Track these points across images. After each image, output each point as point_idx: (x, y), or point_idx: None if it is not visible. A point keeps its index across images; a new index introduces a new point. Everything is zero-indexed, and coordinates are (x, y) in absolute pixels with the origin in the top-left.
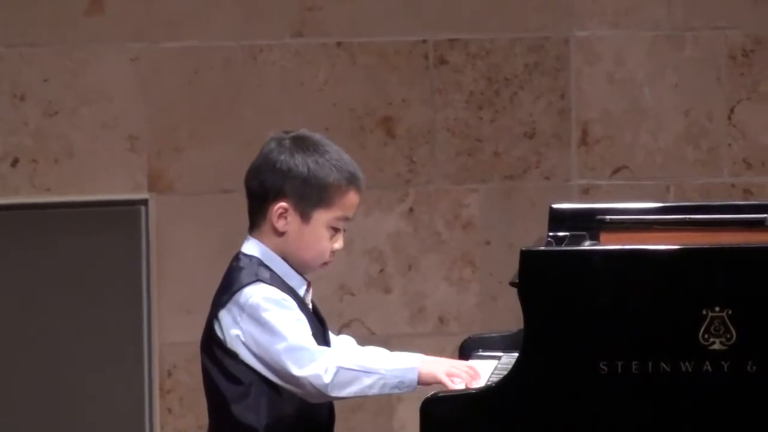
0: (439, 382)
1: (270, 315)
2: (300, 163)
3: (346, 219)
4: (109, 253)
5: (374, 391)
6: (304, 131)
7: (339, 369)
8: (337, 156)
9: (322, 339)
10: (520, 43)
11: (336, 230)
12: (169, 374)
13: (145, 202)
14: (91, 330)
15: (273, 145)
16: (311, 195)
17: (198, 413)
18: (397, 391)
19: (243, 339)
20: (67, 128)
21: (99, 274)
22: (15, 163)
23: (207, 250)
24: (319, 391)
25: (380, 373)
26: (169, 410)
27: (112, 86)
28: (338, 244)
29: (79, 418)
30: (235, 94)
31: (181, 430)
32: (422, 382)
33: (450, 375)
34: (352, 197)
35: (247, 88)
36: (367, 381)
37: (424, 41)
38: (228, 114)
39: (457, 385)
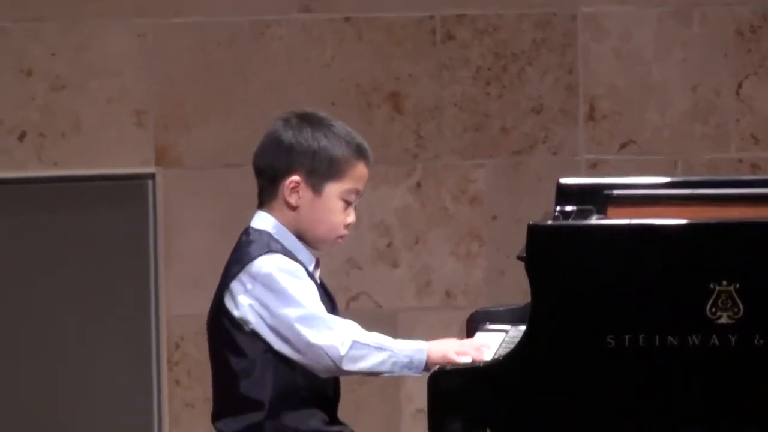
0: (449, 362)
1: (285, 282)
2: (309, 137)
3: (357, 192)
4: (117, 227)
5: (385, 368)
6: (309, 109)
7: (354, 342)
8: (344, 129)
9: (331, 314)
10: (528, 18)
11: (348, 204)
12: (177, 347)
13: (152, 176)
14: (99, 303)
15: (279, 123)
16: (322, 168)
17: (206, 386)
18: (406, 371)
19: (256, 308)
20: (74, 103)
21: (106, 248)
22: (22, 137)
23: (214, 224)
24: (333, 363)
25: (392, 351)
26: (177, 382)
27: (119, 61)
28: (351, 217)
29: (87, 391)
30: (242, 70)
31: (189, 402)
32: (431, 363)
33: (459, 353)
34: (361, 169)
35: (253, 63)
36: (379, 357)
37: (432, 17)
38: (235, 89)
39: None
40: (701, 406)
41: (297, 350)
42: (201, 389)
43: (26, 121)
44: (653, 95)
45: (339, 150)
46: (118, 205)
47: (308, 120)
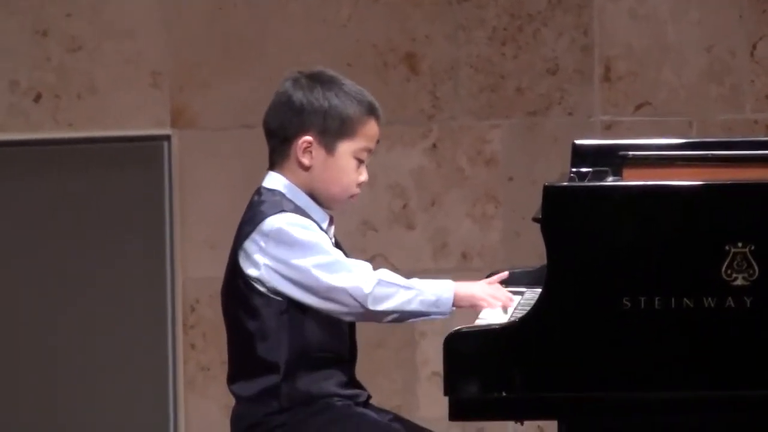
0: (474, 305)
1: (297, 234)
2: (320, 97)
3: (369, 150)
4: (132, 188)
5: (412, 307)
6: (318, 68)
7: (380, 280)
8: (354, 88)
9: None
10: None
11: (360, 162)
12: (192, 309)
13: (167, 137)
14: (114, 265)
15: (289, 84)
16: (334, 127)
17: (221, 348)
18: (434, 309)
19: (272, 265)
20: (89, 64)
21: (122, 210)
22: (38, 98)
23: (230, 185)
24: (359, 303)
25: (418, 289)
26: (192, 346)
27: (135, 22)
28: (363, 176)
29: (102, 353)
30: (258, 30)
31: (204, 365)
32: (458, 302)
33: (485, 297)
34: (373, 126)
35: (270, 24)
36: (406, 295)
37: None
38: (251, 50)
39: (493, 306)
40: (717, 368)
41: (321, 297)
42: (216, 352)
43: (42, 83)
44: (668, 56)
45: (350, 108)
46: (134, 166)
47: (318, 79)
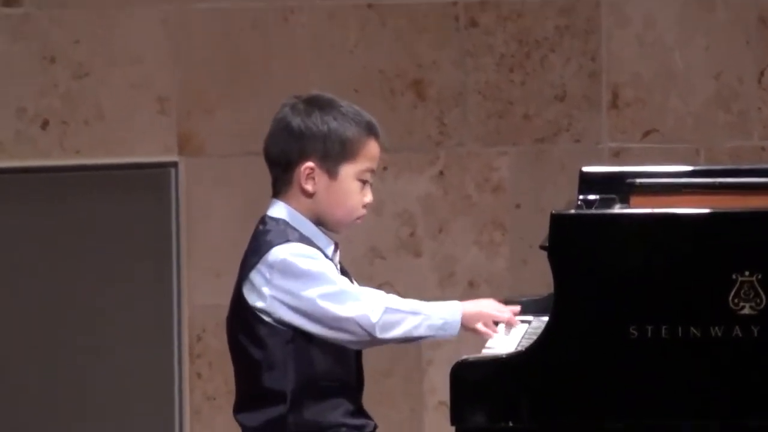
0: (479, 331)
1: (302, 264)
2: (318, 121)
3: (371, 170)
4: (139, 215)
5: (420, 332)
6: (314, 92)
7: (387, 308)
8: (351, 109)
9: None
10: (551, 5)
11: (364, 183)
12: (199, 339)
13: (174, 164)
14: (121, 293)
15: (286, 110)
16: (334, 151)
17: (227, 377)
18: (441, 333)
19: (278, 296)
20: (97, 90)
21: (128, 237)
22: (45, 125)
23: (237, 213)
24: (366, 332)
25: (425, 314)
26: (199, 375)
27: (143, 48)
28: (368, 197)
29: (108, 381)
30: (266, 56)
31: (211, 394)
32: (466, 323)
33: (492, 313)
34: (373, 147)
35: (277, 49)
36: (413, 321)
37: (455, 3)
38: (258, 76)
39: (503, 319)
40: (724, 397)
41: (328, 327)
42: (222, 381)
43: (49, 109)
44: (676, 83)
45: (349, 130)
46: (141, 193)
47: (315, 103)
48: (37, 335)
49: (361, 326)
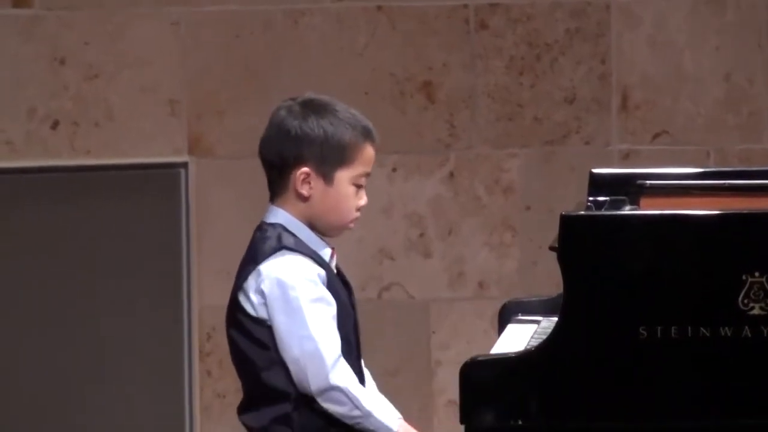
0: None
1: (299, 302)
2: (315, 126)
3: (366, 175)
4: (149, 216)
5: (346, 421)
6: (310, 94)
7: (345, 388)
8: (348, 113)
9: (348, 302)
10: (561, 8)
11: (359, 187)
12: (209, 337)
13: (185, 165)
14: (131, 293)
15: (283, 113)
16: (331, 156)
17: (237, 376)
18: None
19: (267, 309)
20: (107, 92)
21: (139, 238)
22: (55, 126)
23: (246, 214)
24: (319, 377)
25: (365, 413)
26: (209, 373)
27: (153, 50)
28: (363, 200)
29: (119, 380)
30: (275, 59)
31: (220, 392)
32: None
33: None
34: (369, 151)
35: (287, 52)
36: (352, 413)
37: (465, 6)
38: (268, 78)
39: None
40: (733, 397)
41: (292, 362)
42: (232, 380)
43: (59, 110)
44: (686, 84)
45: (346, 135)
46: (151, 194)
47: (312, 107)
48: (46, 334)
49: (317, 372)
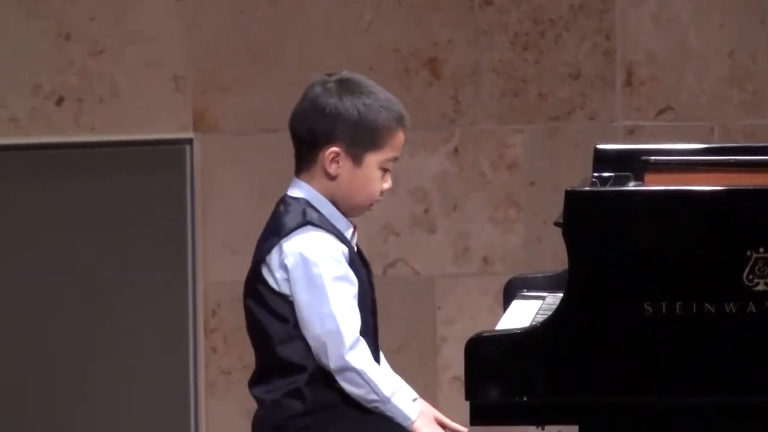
0: None
1: (315, 270)
2: (350, 106)
3: (395, 159)
4: (154, 192)
5: (364, 404)
6: (347, 73)
7: (362, 371)
8: (383, 96)
9: (367, 281)
10: None
11: (385, 170)
12: (213, 313)
13: (189, 141)
14: (136, 269)
15: (319, 89)
16: (362, 138)
17: (242, 352)
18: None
19: (290, 284)
20: (112, 68)
21: (144, 214)
22: (60, 102)
23: (251, 190)
24: (337, 356)
25: (383, 399)
26: (213, 349)
27: (158, 26)
28: (387, 183)
29: (123, 356)
30: (280, 35)
31: (225, 369)
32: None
33: None
34: (400, 137)
35: (291, 28)
36: (369, 396)
37: None
38: (273, 54)
39: None
40: (738, 373)
41: (312, 339)
42: (237, 356)
43: (64, 86)
44: (691, 61)
45: (380, 119)
46: (156, 170)
47: (348, 87)
48: (51, 312)
49: (336, 348)
